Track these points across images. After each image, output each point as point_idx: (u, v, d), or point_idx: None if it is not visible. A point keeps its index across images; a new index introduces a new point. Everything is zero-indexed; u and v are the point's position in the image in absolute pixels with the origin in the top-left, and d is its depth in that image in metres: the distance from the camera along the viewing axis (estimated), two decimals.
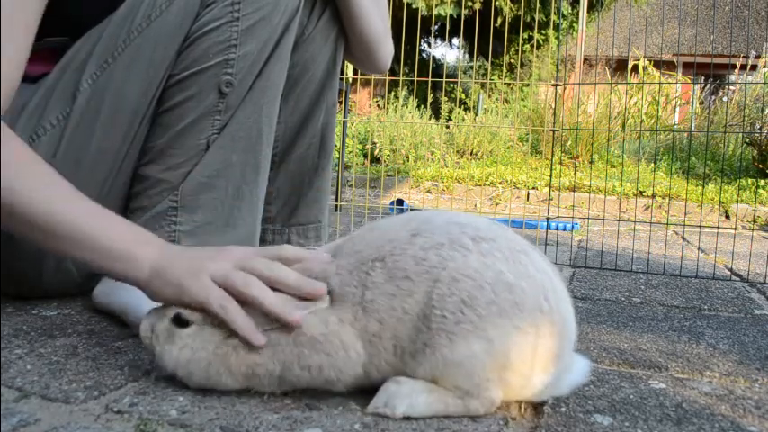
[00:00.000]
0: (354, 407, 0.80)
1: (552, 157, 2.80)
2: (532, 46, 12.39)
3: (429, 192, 4.82)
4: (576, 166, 5.69)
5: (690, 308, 1.53)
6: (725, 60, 8.74)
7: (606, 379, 0.97)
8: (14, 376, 0.85)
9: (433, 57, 14.69)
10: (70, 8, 1.10)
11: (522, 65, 12.51)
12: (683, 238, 2.98)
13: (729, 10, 15.02)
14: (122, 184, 1.18)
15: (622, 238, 2.81)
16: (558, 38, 9.92)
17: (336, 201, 3.44)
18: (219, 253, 0.84)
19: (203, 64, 1.12)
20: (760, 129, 5.55)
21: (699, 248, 2.62)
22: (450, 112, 7.74)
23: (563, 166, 5.63)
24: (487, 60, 10.65)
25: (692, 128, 6.32)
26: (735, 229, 2.80)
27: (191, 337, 0.81)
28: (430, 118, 7.58)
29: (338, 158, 3.78)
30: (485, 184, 4.76)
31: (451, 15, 11.47)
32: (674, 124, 7.46)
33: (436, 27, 13.81)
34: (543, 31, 12.84)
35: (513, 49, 11.34)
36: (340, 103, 3.29)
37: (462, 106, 8.82)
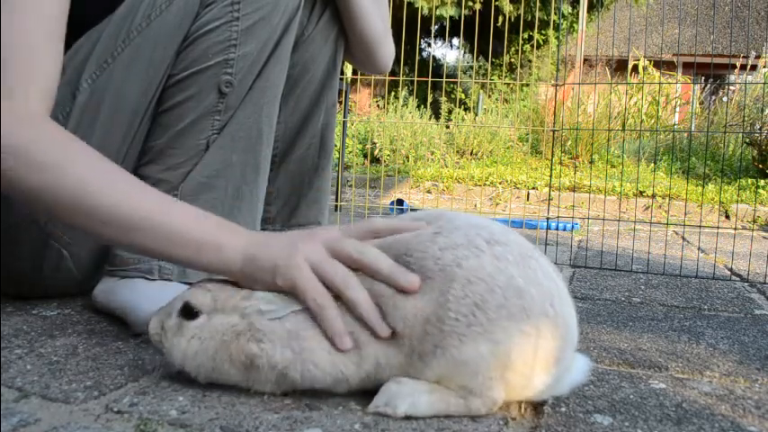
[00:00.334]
0: (355, 407, 0.80)
1: (552, 157, 2.80)
2: (532, 46, 12.39)
3: (429, 192, 4.82)
4: (576, 166, 5.69)
5: (690, 308, 1.53)
6: (725, 60, 8.74)
7: (606, 379, 0.97)
8: (14, 376, 0.85)
9: (434, 56, 14.70)
10: (70, 8, 1.10)
11: (522, 65, 12.51)
12: (683, 238, 2.98)
13: (729, 10, 15.02)
14: None
15: (622, 238, 2.81)
16: (558, 38, 9.92)
17: (336, 201, 3.44)
18: (309, 234, 0.84)
19: (203, 64, 1.12)
20: (760, 129, 5.55)
21: (699, 248, 2.62)
22: (450, 112, 7.74)
23: (563, 166, 5.63)
24: (487, 60, 10.65)
25: (692, 128, 6.32)
26: (735, 229, 2.80)
27: (199, 328, 0.81)
28: (430, 118, 7.58)
29: (338, 158, 3.78)
30: (485, 184, 4.76)
31: (452, 17, 11.47)
32: (674, 124, 7.46)
33: (436, 27, 13.81)
34: (543, 31, 12.84)
35: (513, 49, 11.34)
36: (340, 103, 3.29)
37: (462, 106, 8.82)
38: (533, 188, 4.63)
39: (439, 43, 15.62)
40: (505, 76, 12.03)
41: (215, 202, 1.16)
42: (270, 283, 0.82)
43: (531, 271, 0.77)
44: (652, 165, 5.72)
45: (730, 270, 2.13)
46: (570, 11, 12.54)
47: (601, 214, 3.86)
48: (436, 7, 10.68)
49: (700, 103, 7.65)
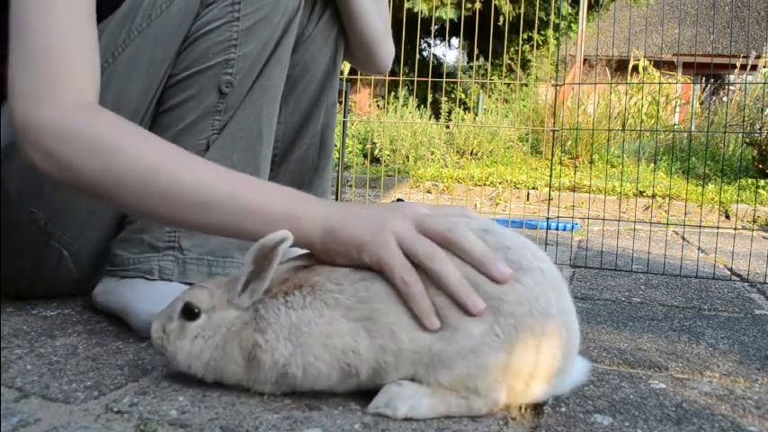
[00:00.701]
0: (354, 407, 0.80)
1: (552, 157, 2.80)
2: (532, 46, 12.39)
3: (429, 192, 4.82)
4: (575, 166, 5.69)
5: (690, 308, 1.53)
6: (725, 60, 8.74)
7: (606, 379, 0.97)
8: (14, 376, 0.85)
9: (434, 55, 14.69)
10: None
11: (523, 65, 12.51)
12: (683, 238, 2.98)
13: (729, 10, 15.02)
14: None
15: (622, 238, 2.81)
16: (557, 38, 9.92)
17: (336, 201, 3.43)
18: (396, 209, 0.82)
19: (203, 64, 1.12)
20: (760, 129, 5.55)
21: (699, 248, 2.62)
22: (450, 112, 7.73)
23: (563, 166, 5.63)
24: (487, 60, 10.64)
25: (692, 128, 6.32)
26: (735, 229, 2.80)
27: (201, 327, 0.81)
28: (430, 118, 7.58)
29: (338, 158, 3.78)
30: (485, 184, 4.76)
31: (452, 20, 11.46)
32: (674, 124, 7.47)
33: (436, 27, 13.81)
34: (543, 32, 12.83)
35: (512, 49, 11.33)
36: (340, 103, 3.29)
37: (462, 106, 8.81)
38: (533, 188, 4.63)
39: (439, 43, 15.62)
40: (505, 76, 12.02)
41: None
42: (354, 259, 0.79)
43: (563, 296, 0.79)
44: (652, 165, 5.72)
45: (730, 270, 2.13)
46: (570, 11, 12.54)
47: (601, 214, 3.86)
48: (436, 8, 10.68)
49: (700, 103, 7.65)
